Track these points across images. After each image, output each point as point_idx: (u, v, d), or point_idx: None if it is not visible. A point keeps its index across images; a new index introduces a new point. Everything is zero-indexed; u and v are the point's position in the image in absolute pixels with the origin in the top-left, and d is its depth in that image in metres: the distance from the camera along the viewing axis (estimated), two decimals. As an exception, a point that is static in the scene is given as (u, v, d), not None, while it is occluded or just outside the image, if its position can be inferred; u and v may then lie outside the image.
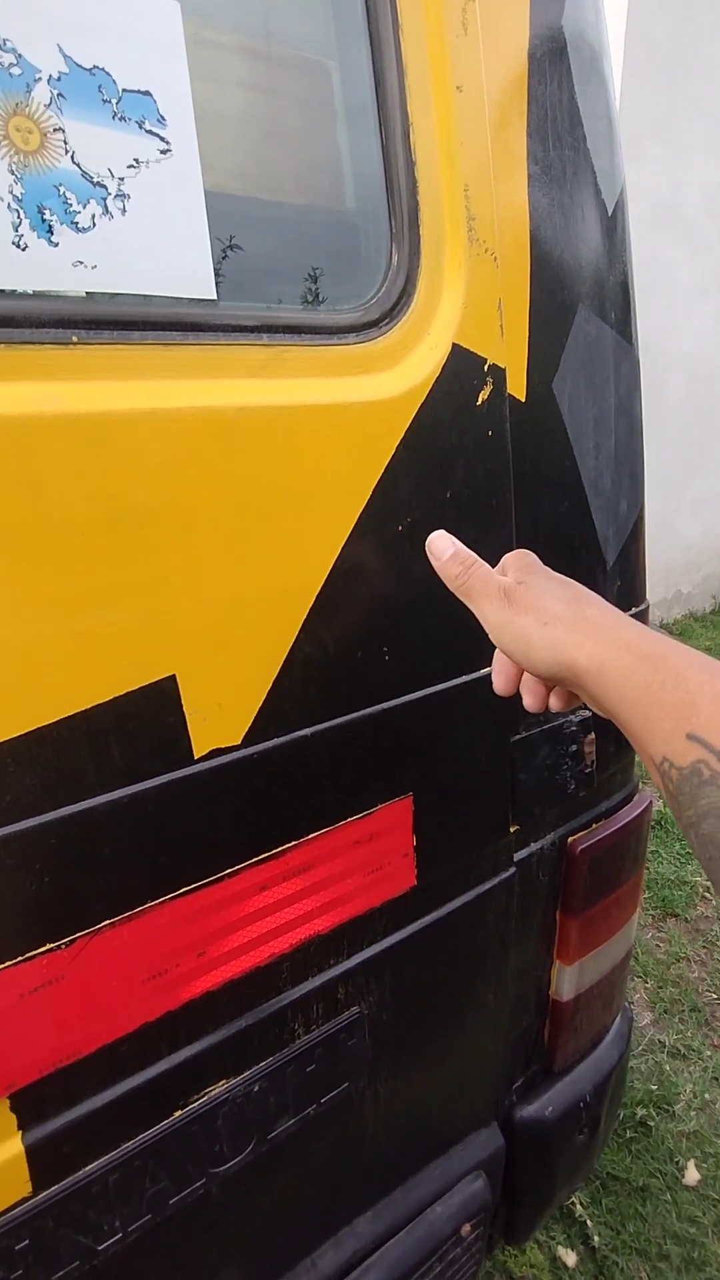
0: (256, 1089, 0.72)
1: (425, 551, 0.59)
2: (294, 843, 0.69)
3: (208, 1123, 0.70)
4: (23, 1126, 0.60)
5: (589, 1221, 1.54)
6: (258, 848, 0.67)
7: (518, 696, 0.59)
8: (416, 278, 0.69)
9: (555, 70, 0.78)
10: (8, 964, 0.55)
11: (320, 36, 0.70)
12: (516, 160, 0.75)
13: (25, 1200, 0.61)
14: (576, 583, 0.54)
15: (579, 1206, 1.56)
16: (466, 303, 0.71)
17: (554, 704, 0.58)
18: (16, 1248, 0.61)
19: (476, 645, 0.78)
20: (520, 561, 0.57)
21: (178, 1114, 0.68)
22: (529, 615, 0.51)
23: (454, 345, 0.71)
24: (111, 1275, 0.68)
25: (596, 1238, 1.51)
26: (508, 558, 0.58)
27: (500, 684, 0.59)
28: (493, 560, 0.58)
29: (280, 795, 0.67)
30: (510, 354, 0.76)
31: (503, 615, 0.53)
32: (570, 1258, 1.49)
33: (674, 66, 3.64)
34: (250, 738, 0.64)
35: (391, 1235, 0.91)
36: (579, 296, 0.83)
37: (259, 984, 0.71)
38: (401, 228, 0.68)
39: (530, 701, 0.58)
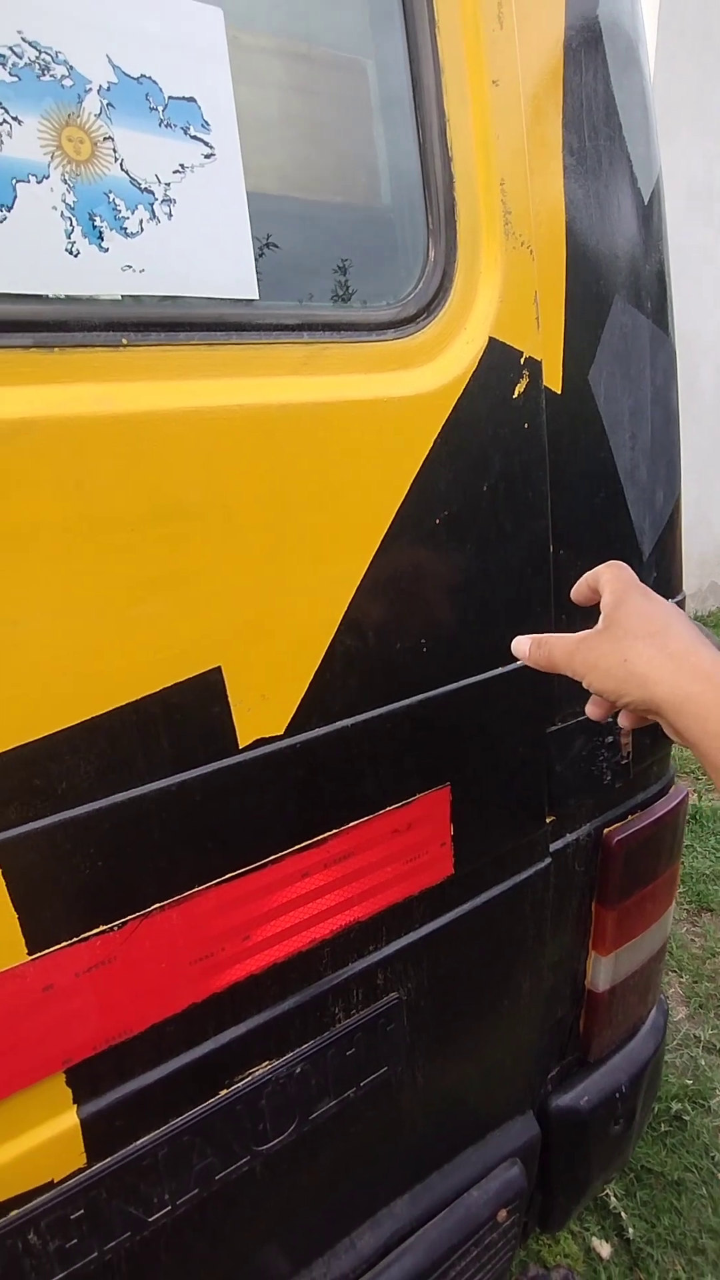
0: (298, 1071, 0.74)
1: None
2: (335, 831, 0.70)
3: (252, 1102, 0.72)
4: (77, 1100, 0.62)
5: (623, 1214, 1.54)
6: (299, 835, 0.68)
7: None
8: (453, 272, 0.70)
9: (591, 60, 0.78)
10: (63, 944, 0.58)
11: (357, 35, 0.70)
12: (552, 152, 0.75)
13: (80, 1171, 0.63)
14: (666, 602, 0.56)
15: (613, 1199, 1.57)
16: (503, 296, 0.72)
17: (623, 722, 0.60)
18: (72, 1216, 0.64)
19: (513, 637, 0.79)
20: (616, 580, 0.58)
21: (223, 1093, 0.70)
22: (613, 655, 0.53)
23: (490, 339, 0.71)
24: (160, 1246, 0.70)
25: (631, 1230, 1.51)
26: (602, 569, 0.60)
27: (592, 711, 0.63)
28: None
29: (321, 784, 0.68)
30: (546, 346, 0.76)
31: (588, 659, 0.56)
32: (604, 1249, 1.49)
33: (706, 48, 3.57)
34: (293, 728, 0.65)
35: (429, 1218, 0.93)
36: (615, 287, 0.83)
37: (301, 969, 0.72)
38: (438, 223, 0.69)
39: (594, 712, 0.62)
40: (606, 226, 0.81)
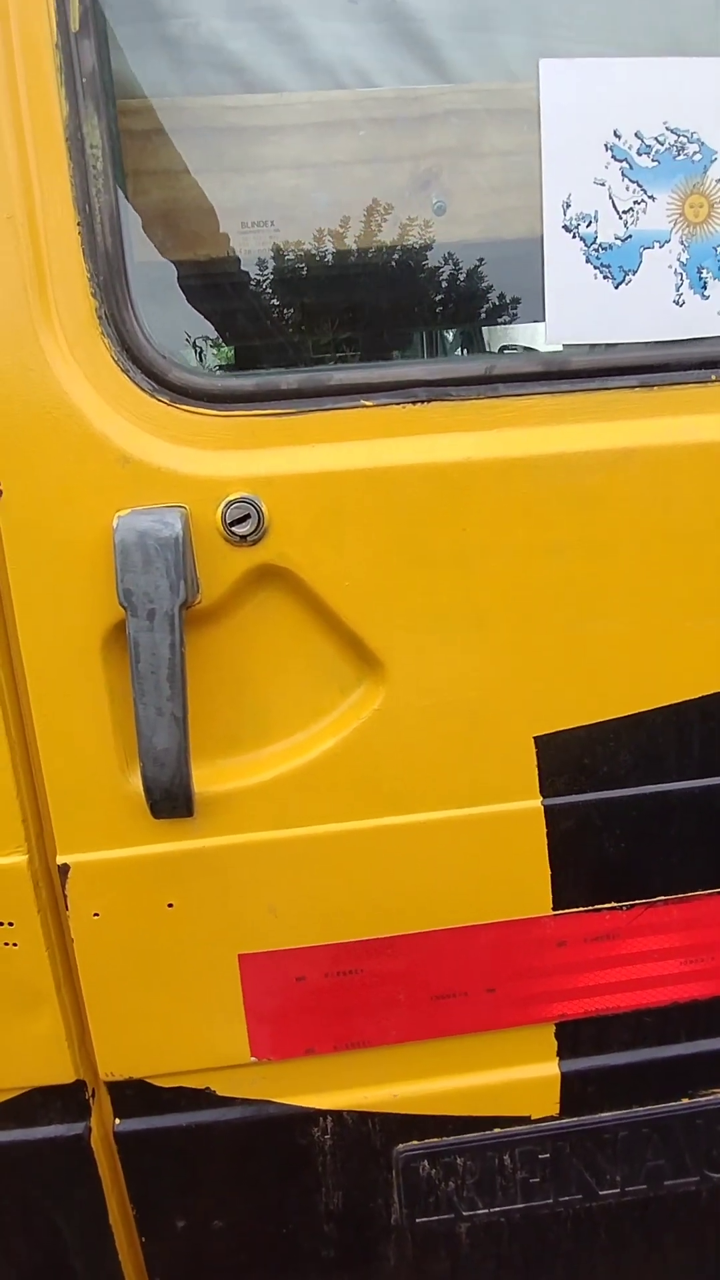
0: (763, 1112, 0.72)
1: None
2: None
3: (712, 1121, 0.72)
4: (560, 1054, 0.69)
5: None
6: None
7: None
8: None
9: None
10: (581, 909, 0.65)
11: None
12: None
13: (552, 1119, 0.70)
14: None
15: None
16: None
17: None
18: (539, 1156, 0.71)
19: None
20: None
21: (685, 1101, 0.71)
22: None
23: None
24: (602, 1226, 0.74)
25: None
26: None
27: None
28: None
29: None
30: None
31: None
32: None
33: None
34: None
35: None
36: None
37: (784, 1006, 0.70)
38: None
39: None
40: None
